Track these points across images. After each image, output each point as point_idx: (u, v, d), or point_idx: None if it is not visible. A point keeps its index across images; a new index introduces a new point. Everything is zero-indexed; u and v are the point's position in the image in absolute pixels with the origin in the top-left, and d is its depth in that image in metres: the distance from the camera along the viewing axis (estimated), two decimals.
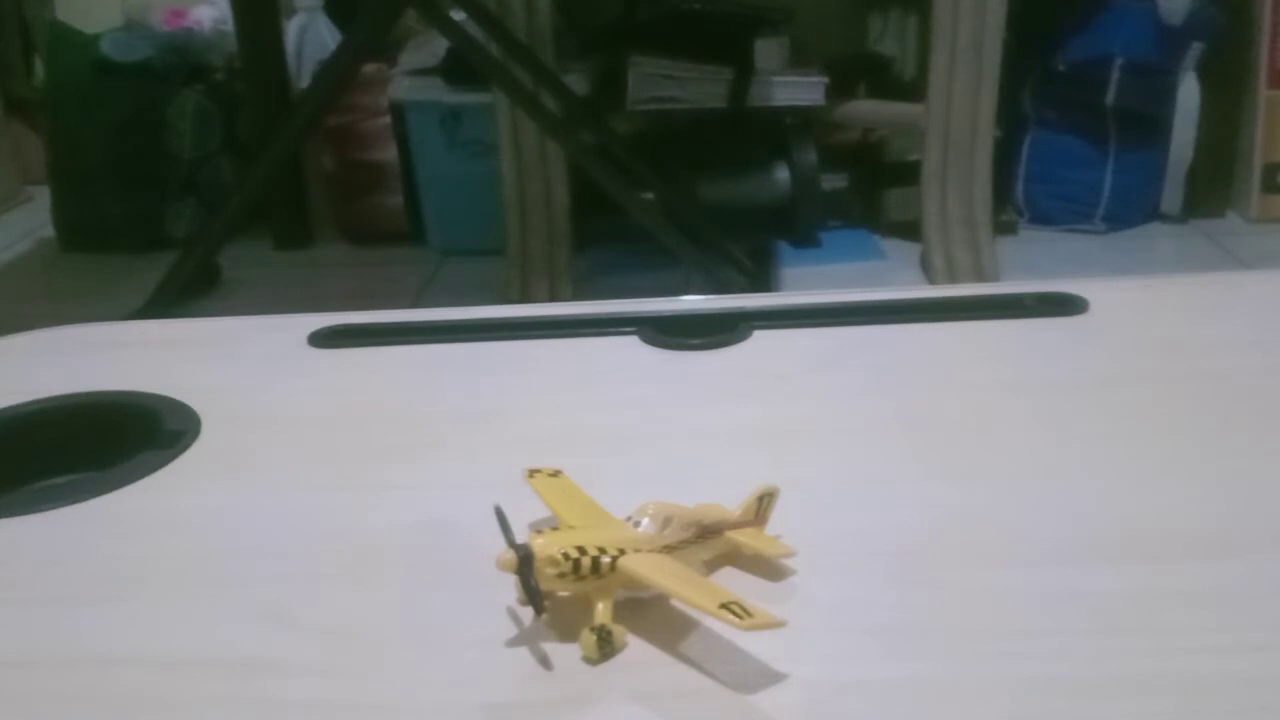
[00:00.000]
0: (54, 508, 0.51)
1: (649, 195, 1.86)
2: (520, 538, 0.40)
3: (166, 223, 2.33)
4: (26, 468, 0.56)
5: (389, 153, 2.24)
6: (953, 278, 1.94)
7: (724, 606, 0.37)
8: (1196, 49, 2.11)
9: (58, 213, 2.34)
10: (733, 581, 0.44)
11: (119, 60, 2.26)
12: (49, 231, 2.37)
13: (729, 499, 0.45)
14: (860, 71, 2.27)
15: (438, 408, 0.60)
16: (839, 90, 2.14)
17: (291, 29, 2.32)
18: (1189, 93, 2.14)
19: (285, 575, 0.46)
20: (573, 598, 0.41)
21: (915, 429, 0.56)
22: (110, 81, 2.25)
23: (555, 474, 0.48)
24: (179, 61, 2.32)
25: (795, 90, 2.11)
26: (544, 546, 0.40)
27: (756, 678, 0.38)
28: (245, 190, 1.69)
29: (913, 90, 2.14)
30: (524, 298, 1.95)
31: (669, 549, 0.42)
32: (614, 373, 0.64)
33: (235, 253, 1.93)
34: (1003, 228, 2.10)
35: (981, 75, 1.89)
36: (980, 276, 1.94)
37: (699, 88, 2.08)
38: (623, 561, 0.40)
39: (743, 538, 0.44)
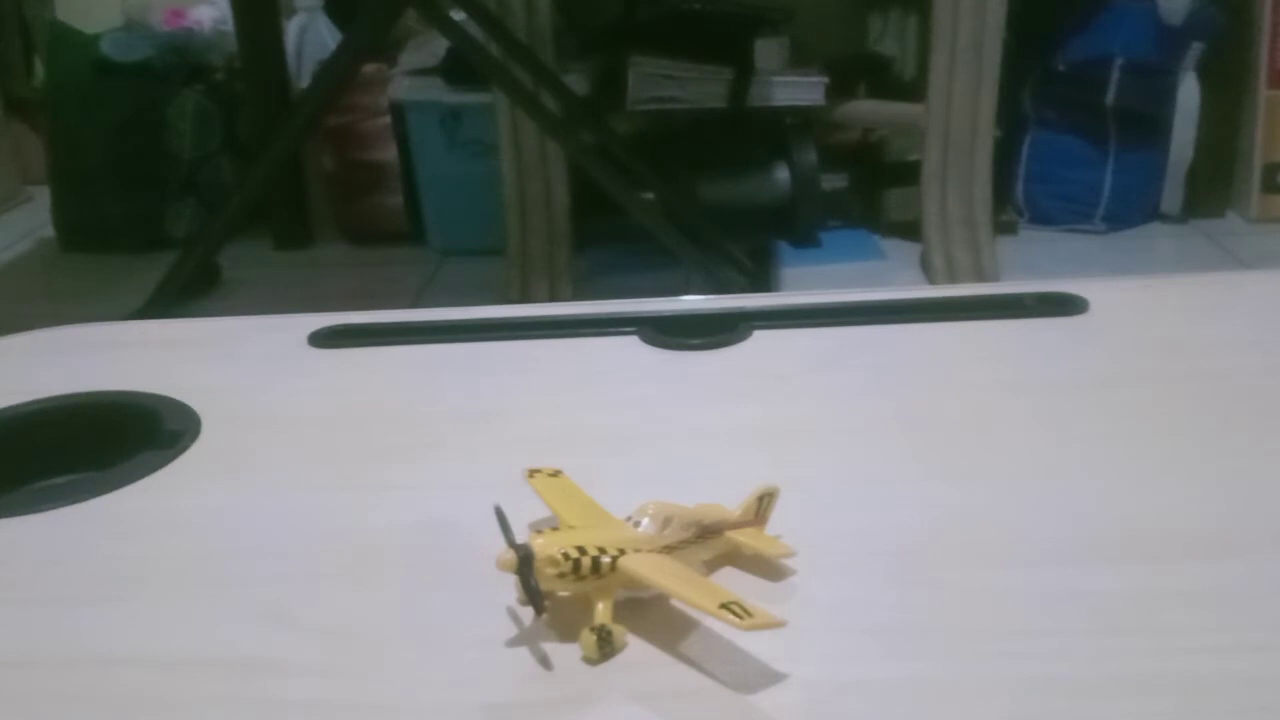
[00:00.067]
0: (54, 508, 0.51)
1: (649, 195, 1.86)
2: (520, 538, 0.40)
3: (166, 223, 2.33)
4: (26, 468, 0.56)
5: (389, 153, 2.24)
6: (953, 278, 1.94)
7: (724, 606, 0.37)
8: (1196, 49, 2.11)
9: (58, 213, 2.34)
10: (733, 581, 0.44)
11: (119, 60, 2.26)
12: (49, 231, 2.37)
13: (729, 499, 0.45)
14: (860, 71, 2.27)
15: (438, 408, 0.60)
16: (839, 90, 2.14)
17: (291, 29, 2.32)
18: (1189, 93, 2.14)
19: (285, 575, 0.46)
20: (573, 598, 0.41)
21: (915, 429, 0.56)
22: (110, 81, 2.26)
23: (555, 474, 0.48)
24: (179, 61, 2.32)
25: (795, 90, 2.11)
26: (544, 546, 0.40)
27: (756, 678, 0.38)
28: (245, 190, 1.69)
29: (913, 90, 2.14)
30: (524, 298, 1.95)
31: (669, 549, 0.42)
32: (614, 373, 0.64)
33: (235, 253, 1.93)
34: (1003, 228, 2.10)
35: (981, 75, 1.89)
36: (980, 276, 1.94)
37: (699, 88, 2.08)
38: (623, 561, 0.40)
39: (743, 538, 0.44)
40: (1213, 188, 2.20)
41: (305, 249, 2.31)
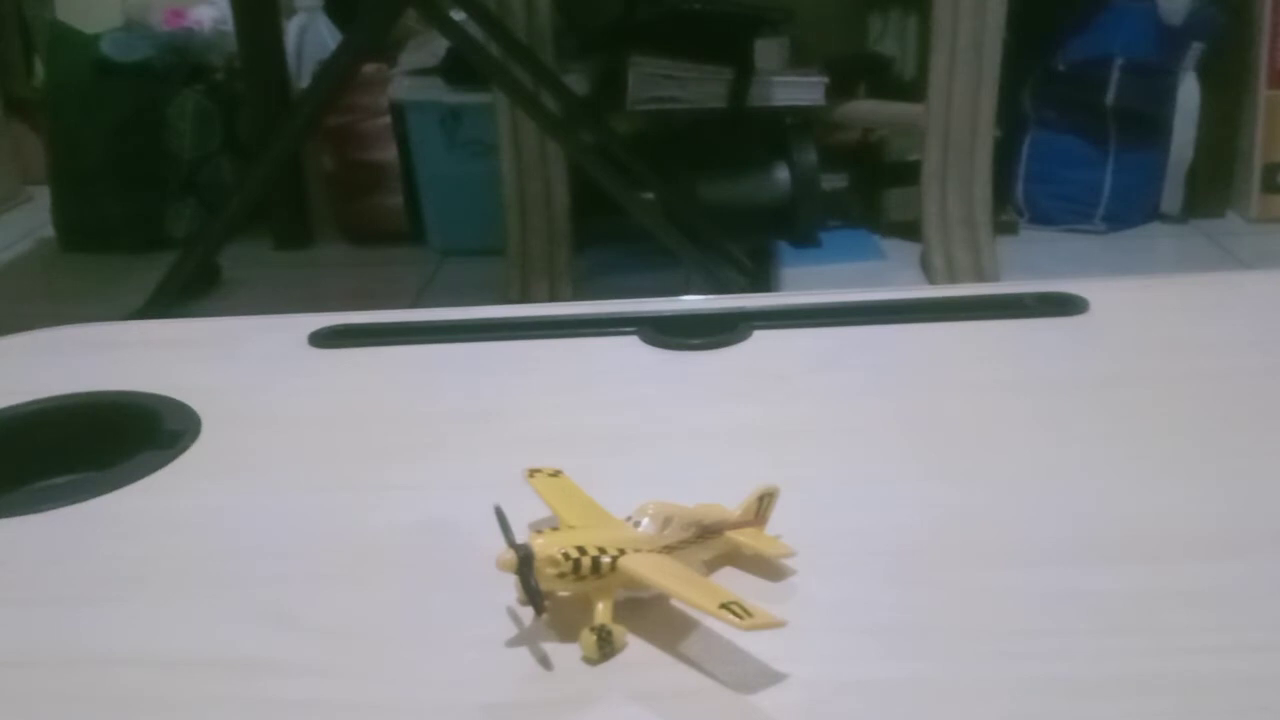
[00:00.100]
0: (54, 508, 0.51)
1: (649, 195, 1.86)
2: (520, 538, 0.40)
3: (166, 223, 2.33)
4: (26, 468, 0.56)
5: (389, 153, 2.24)
6: (953, 278, 1.94)
7: (724, 606, 0.37)
8: (1196, 49, 2.11)
9: (58, 213, 2.34)
10: (733, 581, 0.44)
11: (119, 60, 2.26)
12: (49, 231, 2.37)
13: (729, 499, 0.45)
14: (860, 71, 2.27)
15: (438, 408, 0.60)
16: (839, 90, 2.14)
17: (291, 29, 2.32)
18: (1189, 93, 2.14)
19: (285, 575, 0.46)
20: (573, 598, 0.41)
21: (915, 429, 0.56)
22: (110, 81, 2.26)
23: (555, 474, 0.48)
24: (179, 61, 2.32)
25: (795, 90, 2.11)
26: (544, 546, 0.40)
27: (756, 678, 0.38)
28: (245, 190, 1.69)
29: (913, 90, 2.14)
30: (524, 298, 1.95)
31: (669, 549, 0.42)
32: (614, 373, 0.64)
33: (235, 253, 1.93)
34: (1003, 228, 2.10)
35: (981, 75, 1.89)
36: (980, 276, 1.94)
37: (699, 88, 2.08)
38: (623, 561, 0.40)
39: (743, 538, 0.44)
40: (1213, 188, 2.20)
41: (305, 249, 2.31)
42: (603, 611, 0.40)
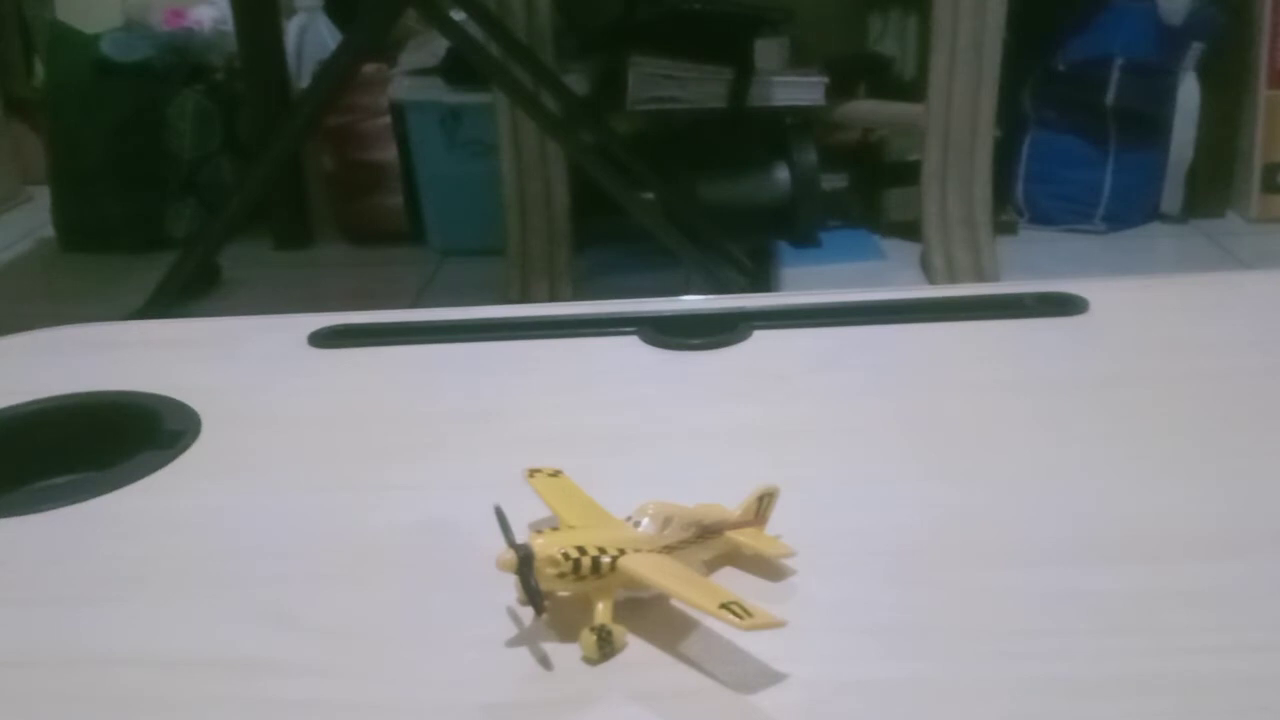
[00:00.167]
0: (54, 508, 0.51)
1: (649, 195, 1.86)
2: (520, 538, 0.40)
3: (166, 223, 2.33)
4: (26, 468, 0.56)
5: (389, 153, 2.24)
6: (953, 278, 1.94)
7: (724, 606, 0.37)
8: (1196, 49, 2.11)
9: (58, 213, 2.34)
10: (733, 581, 0.44)
11: (119, 60, 2.26)
12: (49, 231, 2.37)
13: (729, 499, 0.45)
14: (860, 71, 2.27)
15: (438, 408, 0.60)
16: (839, 90, 2.14)
17: (291, 29, 2.32)
18: (1189, 93, 2.14)
19: (285, 575, 0.46)
20: (573, 598, 0.41)
21: (915, 429, 0.56)
22: (110, 81, 2.26)
23: (555, 474, 0.48)
24: (179, 61, 2.32)
25: (795, 90, 2.11)
26: (544, 546, 0.40)
27: (756, 678, 0.38)
28: (245, 190, 1.69)
29: (913, 90, 2.14)
30: (524, 298, 1.95)
31: (669, 549, 0.42)
32: (614, 373, 0.64)
33: (235, 253, 1.93)
34: (1003, 228, 2.10)
35: (981, 75, 1.89)
36: (980, 276, 1.94)
37: (699, 88, 2.08)
38: (623, 561, 0.40)
39: (743, 538, 0.44)
40: (1213, 188, 2.20)
41: (305, 249, 2.31)
42: (603, 611, 0.40)
